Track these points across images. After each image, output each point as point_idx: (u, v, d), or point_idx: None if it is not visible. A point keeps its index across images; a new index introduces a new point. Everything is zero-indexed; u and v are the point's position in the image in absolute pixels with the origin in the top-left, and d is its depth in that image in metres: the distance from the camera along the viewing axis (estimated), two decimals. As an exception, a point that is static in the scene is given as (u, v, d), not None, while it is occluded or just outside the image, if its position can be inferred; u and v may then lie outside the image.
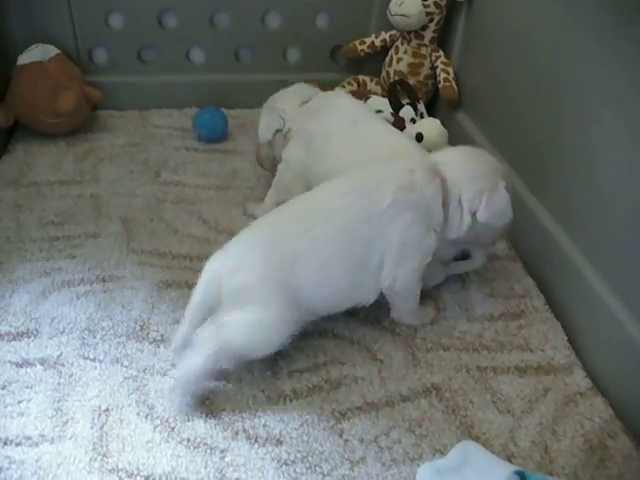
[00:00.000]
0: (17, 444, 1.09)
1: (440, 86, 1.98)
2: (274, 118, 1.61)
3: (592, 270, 1.33)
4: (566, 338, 1.37)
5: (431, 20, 1.96)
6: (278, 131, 1.62)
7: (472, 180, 1.28)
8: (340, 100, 1.60)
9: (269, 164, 1.70)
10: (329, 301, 1.28)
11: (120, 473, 1.05)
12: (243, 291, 1.19)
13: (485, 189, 1.27)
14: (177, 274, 1.45)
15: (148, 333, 1.31)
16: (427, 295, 1.40)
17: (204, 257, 1.48)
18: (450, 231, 1.30)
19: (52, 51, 1.92)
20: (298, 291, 1.21)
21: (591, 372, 1.30)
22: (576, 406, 1.23)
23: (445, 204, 1.28)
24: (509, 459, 1.12)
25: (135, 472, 1.06)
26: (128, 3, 1.96)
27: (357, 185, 1.27)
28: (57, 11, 1.92)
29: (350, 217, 1.24)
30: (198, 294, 1.22)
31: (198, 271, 1.44)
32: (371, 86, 2.12)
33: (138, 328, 1.32)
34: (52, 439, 1.10)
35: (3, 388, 1.18)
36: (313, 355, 1.29)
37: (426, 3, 1.92)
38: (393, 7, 1.96)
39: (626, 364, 1.23)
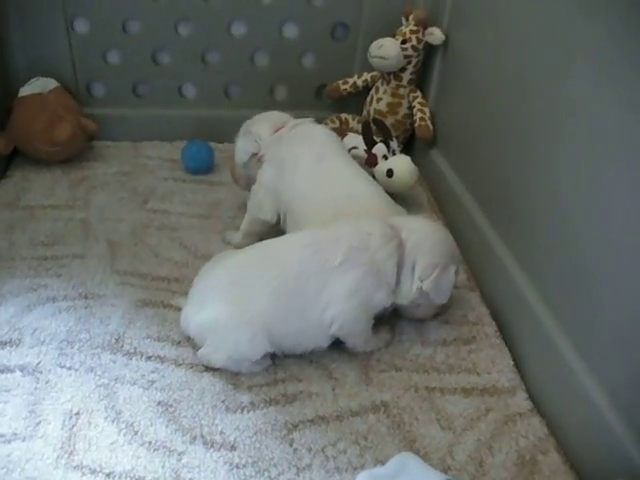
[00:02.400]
0: (-9, 440, 1.19)
1: (416, 125, 2.08)
2: (250, 143, 1.72)
3: (540, 303, 1.40)
4: (512, 363, 1.44)
5: (409, 62, 2.07)
6: (253, 155, 1.72)
7: (431, 252, 1.38)
8: (314, 131, 1.70)
9: (244, 182, 1.80)
10: (287, 340, 1.37)
11: (84, 469, 1.15)
12: (202, 328, 1.36)
13: (439, 265, 1.38)
14: (154, 294, 1.55)
15: (122, 346, 1.40)
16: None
17: (181, 279, 1.61)
18: (399, 295, 1.40)
19: (52, 84, 2.02)
20: (258, 328, 1.32)
21: (533, 395, 1.37)
22: (514, 425, 1.31)
23: (399, 267, 1.37)
24: (445, 471, 1.20)
25: (97, 469, 1.15)
26: (125, 41, 2.07)
27: (316, 240, 1.37)
28: (58, 47, 2.04)
29: (303, 269, 1.34)
30: None
31: (174, 292, 1.56)
32: (353, 124, 2.22)
33: (113, 341, 1.41)
34: (24, 437, 1.19)
35: (-17, 391, 1.28)
36: (273, 372, 1.38)
37: (404, 46, 2.03)
38: (373, 49, 2.06)
39: (564, 388, 1.30)
